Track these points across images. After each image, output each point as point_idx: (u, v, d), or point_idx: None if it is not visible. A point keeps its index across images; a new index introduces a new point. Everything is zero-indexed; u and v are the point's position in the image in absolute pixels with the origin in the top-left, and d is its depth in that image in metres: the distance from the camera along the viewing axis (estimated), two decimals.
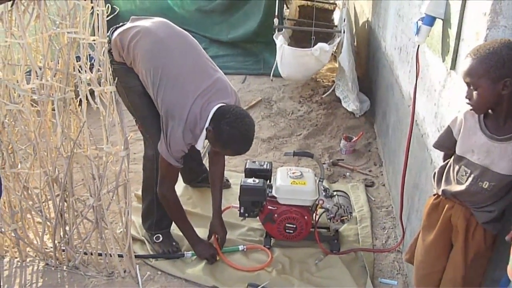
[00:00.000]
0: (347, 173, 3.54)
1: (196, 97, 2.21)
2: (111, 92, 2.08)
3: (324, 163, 3.60)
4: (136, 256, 2.50)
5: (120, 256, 2.41)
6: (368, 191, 3.29)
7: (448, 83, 1.96)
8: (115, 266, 2.43)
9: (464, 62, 1.49)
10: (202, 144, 2.28)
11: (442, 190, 1.70)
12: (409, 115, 2.39)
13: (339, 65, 4.46)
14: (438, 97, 2.13)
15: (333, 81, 4.90)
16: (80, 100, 2.13)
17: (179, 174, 2.66)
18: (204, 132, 2.23)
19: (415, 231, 2.40)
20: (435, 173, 1.78)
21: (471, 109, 1.53)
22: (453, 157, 1.66)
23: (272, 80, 4.98)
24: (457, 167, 1.63)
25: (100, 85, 2.07)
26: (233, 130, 2.17)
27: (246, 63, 5.48)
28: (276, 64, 4.63)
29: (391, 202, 3.13)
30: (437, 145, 1.77)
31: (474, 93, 1.47)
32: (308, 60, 4.22)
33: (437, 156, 2.07)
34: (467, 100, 1.51)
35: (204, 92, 2.24)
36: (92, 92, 2.10)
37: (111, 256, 2.40)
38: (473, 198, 1.58)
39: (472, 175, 1.55)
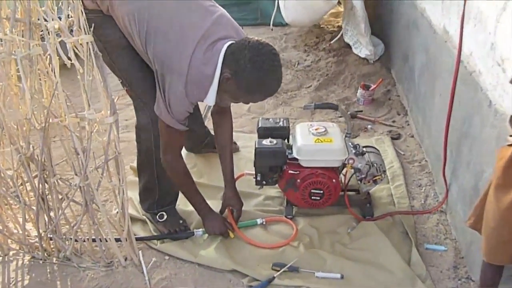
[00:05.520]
0: (369, 126, 3.16)
1: (197, 41, 1.77)
2: (87, 43, 1.66)
3: (340, 116, 3.20)
4: (137, 239, 2.14)
5: (118, 241, 2.04)
6: (395, 144, 2.91)
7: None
8: (114, 254, 2.07)
9: None
10: (213, 99, 1.87)
11: None
12: (445, 52, 1.99)
13: (345, 8, 4.01)
14: (495, 24, 1.73)
15: (339, 27, 4.45)
16: (50, 57, 1.71)
17: None
18: (216, 82, 1.81)
19: (465, 188, 2.06)
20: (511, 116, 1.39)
21: None
22: None
23: (272, 29, 4.60)
24: None
25: (72, 35, 1.65)
26: (258, 65, 1.75)
27: (242, 14, 5.05)
28: (276, 12, 4.30)
29: (424, 155, 2.75)
30: None
31: None
32: (316, 0, 3.78)
33: (499, 96, 1.69)
34: None
35: (207, 33, 1.80)
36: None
37: (107, 241, 2.04)
38: None
39: None
